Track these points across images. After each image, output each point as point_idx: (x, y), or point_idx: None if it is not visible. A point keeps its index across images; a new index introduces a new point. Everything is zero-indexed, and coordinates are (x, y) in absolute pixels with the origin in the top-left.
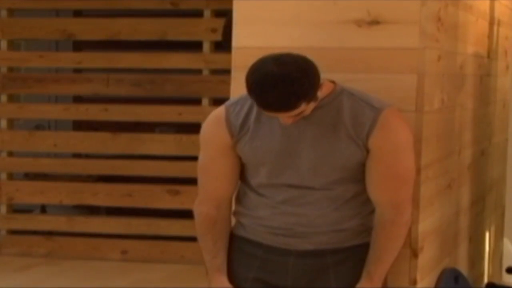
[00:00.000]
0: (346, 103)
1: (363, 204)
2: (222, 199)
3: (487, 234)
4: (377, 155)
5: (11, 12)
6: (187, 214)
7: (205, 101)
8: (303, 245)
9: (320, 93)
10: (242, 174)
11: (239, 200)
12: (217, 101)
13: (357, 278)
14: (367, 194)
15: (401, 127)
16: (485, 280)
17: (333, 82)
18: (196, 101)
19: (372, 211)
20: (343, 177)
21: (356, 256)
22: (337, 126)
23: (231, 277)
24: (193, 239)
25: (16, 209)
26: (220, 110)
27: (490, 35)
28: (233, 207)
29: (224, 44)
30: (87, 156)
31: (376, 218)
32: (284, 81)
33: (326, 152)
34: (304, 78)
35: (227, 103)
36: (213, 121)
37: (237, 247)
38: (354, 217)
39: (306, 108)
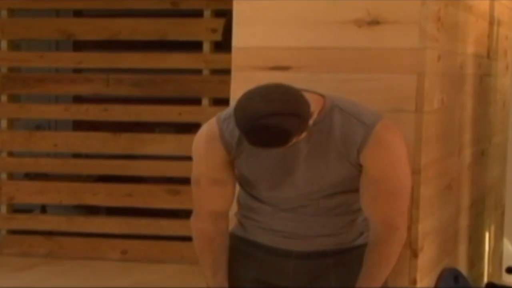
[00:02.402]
0: (337, 120)
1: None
2: (219, 214)
3: (487, 234)
4: (370, 172)
5: (12, 12)
6: (187, 214)
7: (205, 101)
8: (303, 246)
9: (311, 119)
10: (241, 182)
11: (239, 203)
12: (217, 101)
13: (356, 278)
14: None
15: (394, 142)
16: (485, 280)
17: (322, 96)
18: (196, 101)
19: None
20: (341, 190)
21: (357, 256)
22: (329, 144)
23: (229, 277)
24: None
25: (16, 209)
26: (212, 126)
27: (490, 35)
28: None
29: (224, 44)
30: (87, 156)
31: (370, 234)
32: (273, 121)
33: (321, 170)
34: (294, 116)
35: (218, 118)
36: (207, 138)
37: (236, 247)
38: (355, 220)
39: (298, 139)
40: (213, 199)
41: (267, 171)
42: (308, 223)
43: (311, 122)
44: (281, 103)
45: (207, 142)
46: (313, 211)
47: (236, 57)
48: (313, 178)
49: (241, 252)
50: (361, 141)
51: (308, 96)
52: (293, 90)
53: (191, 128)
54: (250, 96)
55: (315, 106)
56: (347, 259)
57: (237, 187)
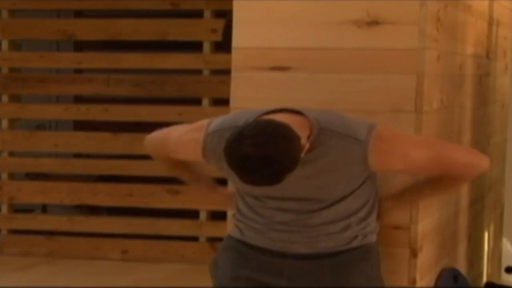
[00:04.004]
0: (331, 143)
1: (361, 209)
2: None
3: (486, 234)
4: (397, 168)
5: (12, 12)
6: (187, 214)
7: (205, 101)
8: (299, 248)
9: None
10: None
11: (238, 207)
12: (217, 101)
13: (353, 279)
14: (365, 201)
15: (393, 135)
16: (484, 279)
17: (308, 119)
18: (196, 101)
19: (372, 212)
20: (339, 198)
21: (352, 257)
22: (323, 168)
23: (224, 276)
24: (193, 238)
25: (17, 209)
26: (200, 133)
27: (489, 36)
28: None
29: (224, 44)
30: (88, 156)
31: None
32: (264, 164)
33: (317, 188)
34: (285, 156)
35: (207, 129)
36: (193, 140)
37: (232, 247)
38: (351, 224)
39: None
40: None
41: (261, 189)
42: (305, 228)
43: (302, 155)
44: (271, 146)
45: (191, 140)
46: (311, 213)
47: (236, 57)
48: (310, 194)
49: (236, 251)
50: (363, 156)
51: (295, 123)
52: (281, 128)
53: None
54: (239, 138)
55: (303, 132)
56: (343, 260)
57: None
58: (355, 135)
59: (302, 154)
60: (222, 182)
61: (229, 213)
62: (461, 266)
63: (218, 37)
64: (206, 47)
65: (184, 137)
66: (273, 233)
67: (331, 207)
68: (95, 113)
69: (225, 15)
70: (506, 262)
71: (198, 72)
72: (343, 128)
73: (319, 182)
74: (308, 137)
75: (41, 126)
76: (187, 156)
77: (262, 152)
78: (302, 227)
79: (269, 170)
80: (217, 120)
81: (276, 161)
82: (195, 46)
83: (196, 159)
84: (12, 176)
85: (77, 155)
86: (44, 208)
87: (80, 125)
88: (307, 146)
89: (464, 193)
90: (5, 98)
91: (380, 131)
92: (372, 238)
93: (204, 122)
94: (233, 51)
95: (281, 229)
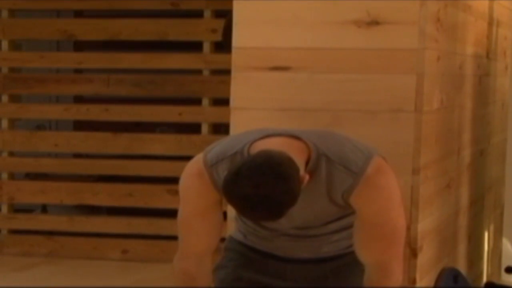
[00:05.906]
0: (323, 170)
1: None
2: (204, 255)
3: (486, 234)
4: (362, 215)
5: (12, 12)
6: None
7: (205, 101)
8: (302, 254)
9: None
10: None
11: (239, 215)
12: (217, 101)
13: (355, 280)
14: None
15: (386, 185)
16: (484, 279)
17: (306, 143)
18: (196, 101)
19: None
20: (338, 217)
21: (355, 259)
22: (316, 191)
23: (225, 277)
24: None
25: (17, 209)
26: (201, 169)
27: (489, 36)
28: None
29: (224, 45)
30: (88, 156)
31: (364, 278)
32: (263, 204)
33: (313, 210)
34: (284, 195)
35: (206, 162)
36: (199, 179)
37: (233, 248)
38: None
39: None
40: (198, 240)
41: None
42: (309, 238)
43: (302, 186)
44: (270, 185)
45: (199, 183)
46: (312, 234)
47: (236, 57)
48: (308, 216)
49: (238, 253)
50: (347, 188)
51: (293, 150)
52: (279, 166)
53: (191, 128)
54: (236, 178)
55: (301, 160)
56: (345, 262)
57: None
58: (349, 165)
59: (302, 186)
60: None
61: (230, 214)
62: (461, 266)
63: (218, 37)
64: (206, 47)
65: (190, 186)
66: (277, 242)
67: (333, 222)
68: (95, 113)
69: (225, 15)
70: (506, 262)
71: (198, 72)
72: (338, 156)
73: (316, 208)
74: (307, 164)
75: (41, 126)
76: (200, 201)
77: (261, 193)
78: (306, 237)
79: (269, 209)
80: (214, 151)
81: (275, 200)
82: (195, 46)
83: (207, 199)
84: (12, 176)
85: (77, 155)
86: (44, 208)
87: (80, 125)
88: (306, 178)
89: (464, 193)
90: (5, 98)
91: (378, 165)
92: None
93: (195, 163)
94: (233, 51)
95: (284, 239)
